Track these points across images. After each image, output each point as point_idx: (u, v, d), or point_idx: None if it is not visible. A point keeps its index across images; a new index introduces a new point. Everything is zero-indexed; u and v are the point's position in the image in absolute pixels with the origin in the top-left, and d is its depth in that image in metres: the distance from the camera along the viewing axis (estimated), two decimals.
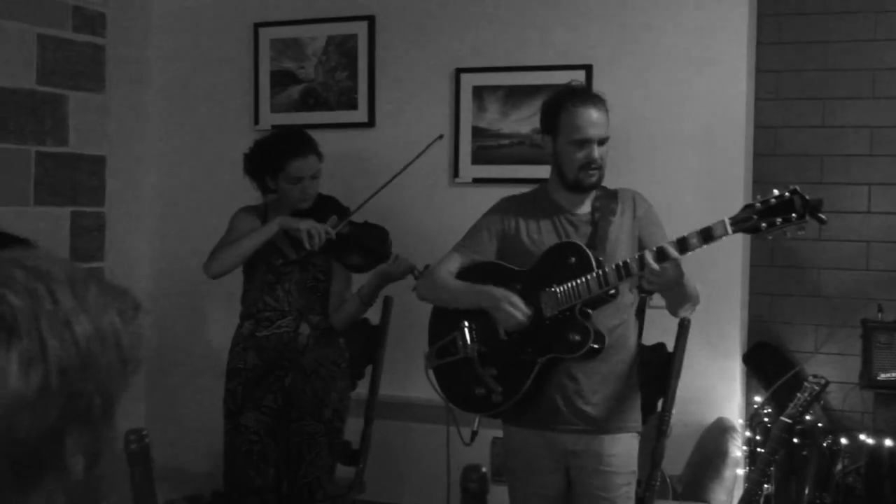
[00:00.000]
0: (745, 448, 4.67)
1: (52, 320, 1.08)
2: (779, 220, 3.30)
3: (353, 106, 5.33)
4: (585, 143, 3.62)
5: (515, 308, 3.57)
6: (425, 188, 5.18)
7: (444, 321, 3.81)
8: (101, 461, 1.16)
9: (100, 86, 5.38)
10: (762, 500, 4.31)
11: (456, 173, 5.14)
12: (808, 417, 4.33)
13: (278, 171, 4.23)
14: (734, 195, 4.78)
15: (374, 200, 4.34)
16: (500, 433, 4.01)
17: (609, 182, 4.67)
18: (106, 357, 1.13)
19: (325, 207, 4.28)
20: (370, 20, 5.29)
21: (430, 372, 3.82)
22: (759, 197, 3.45)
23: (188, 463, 5.53)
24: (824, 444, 4.56)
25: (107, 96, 5.42)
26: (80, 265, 1.25)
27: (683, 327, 4.32)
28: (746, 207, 3.43)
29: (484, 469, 2.17)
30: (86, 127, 5.31)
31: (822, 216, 3.34)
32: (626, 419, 3.74)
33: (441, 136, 4.12)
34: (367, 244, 4.12)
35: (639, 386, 3.81)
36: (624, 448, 3.70)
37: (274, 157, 4.26)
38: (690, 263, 4.73)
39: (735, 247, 4.79)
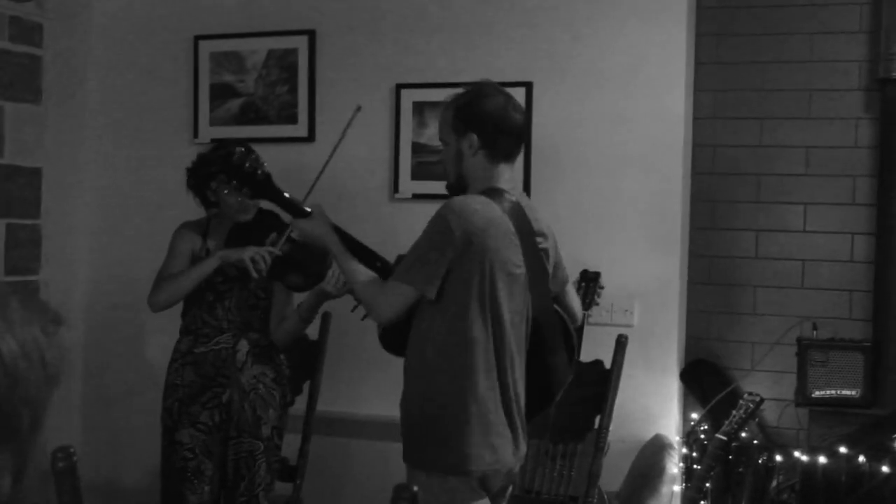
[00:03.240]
0: (681, 465, 4.68)
1: None
2: None
3: (293, 120, 5.31)
4: None
5: None
6: (365, 204, 5.17)
7: None
8: (26, 475, 1.15)
9: (36, 97, 5.33)
10: None
11: (396, 189, 5.14)
12: (743, 434, 4.33)
13: (214, 181, 4.20)
14: (672, 213, 4.82)
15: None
16: None
17: (546, 199, 4.72)
18: (32, 373, 1.12)
19: (266, 221, 4.25)
20: (311, 35, 5.27)
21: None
22: None
23: (126, 479, 5.48)
24: (759, 461, 4.57)
25: (43, 107, 5.36)
26: (7, 279, 1.24)
27: (621, 344, 4.35)
28: None
29: (415, 488, 2.15)
30: (21, 138, 5.24)
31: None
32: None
33: (359, 108, 4.09)
34: (307, 263, 4.10)
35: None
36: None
37: (213, 166, 4.23)
38: (630, 280, 4.79)
39: (673, 265, 4.83)
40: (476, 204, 3.35)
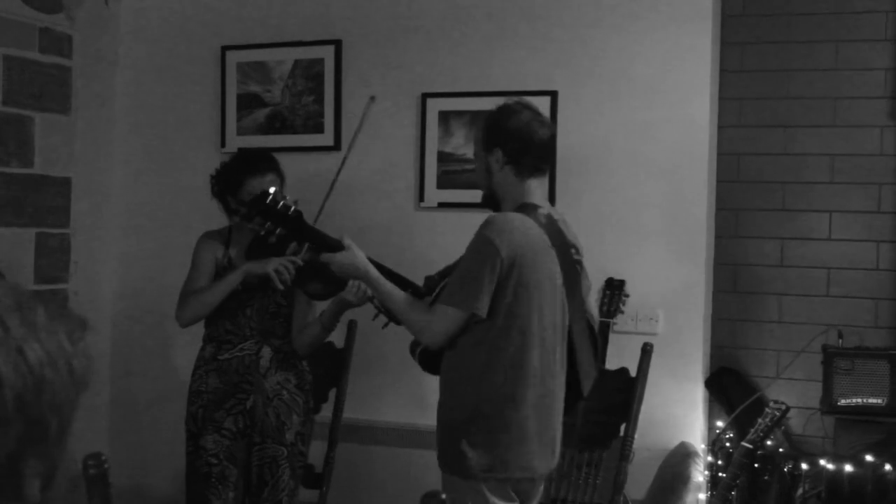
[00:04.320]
0: (706, 473, 4.66)
1: (5, 348, 1.07)
2: None
3: (319, 130, 5.32)
4: None
5: None
6: (390, 213, 5.18)
7: None
8: (55, 481, 1.16)
9: (66, 107, 5.36)
10: None
11: (421, 198, 5.15)
12: (769, 442, 4.35)
13: (237, 190, 4.23)
14: (697, 221, 4.81)
15: (338, 225, 4.33)
16: None
17: (571, 207, 4.73)
18: (58, 380, 1.13)
19: None
20: (337, 44, 5.28)
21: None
22: None
23: (152, 485, 5.49)
24: (785, 469, 4.55)
25: (73, 118, 5.39)
26: (36, 287, 1.25)
27: (646, 352, 4.34)
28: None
29: (443, 496, 2.16)
30: (51, 148, 5.28)
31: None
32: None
33: (373, 98, 4.09)
34: (328, 272, 4.11)
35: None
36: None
37: (233, 175, 4.27)
38: (655, 288, 4.79)
39: (698, 273, 4.82)
40: (515, 221, 3.43)
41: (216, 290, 4.21)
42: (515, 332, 3.40)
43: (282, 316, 4.31)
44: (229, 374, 4.24)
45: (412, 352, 3.74)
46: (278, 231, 3.73)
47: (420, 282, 3.80)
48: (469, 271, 3.39)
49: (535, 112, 3.59)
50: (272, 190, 3.80)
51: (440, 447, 3.54)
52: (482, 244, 3.38)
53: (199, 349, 4.34)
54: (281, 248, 4.07)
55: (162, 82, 5.67)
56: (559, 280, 3.50)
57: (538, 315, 3.43)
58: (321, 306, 4.25)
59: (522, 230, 3.41)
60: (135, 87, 5.71)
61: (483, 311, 3.36)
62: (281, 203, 3.72)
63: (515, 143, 3.50)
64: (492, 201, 3.59)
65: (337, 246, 3.71)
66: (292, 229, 3.76)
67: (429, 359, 3.66)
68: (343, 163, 4.33)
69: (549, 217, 3.55)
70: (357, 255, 3.65)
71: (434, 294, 3.66)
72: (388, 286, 3.61)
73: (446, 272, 3.72)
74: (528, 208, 3.50)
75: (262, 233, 3.72)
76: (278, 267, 4.02)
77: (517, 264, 3.37)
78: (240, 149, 5.07)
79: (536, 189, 3.56)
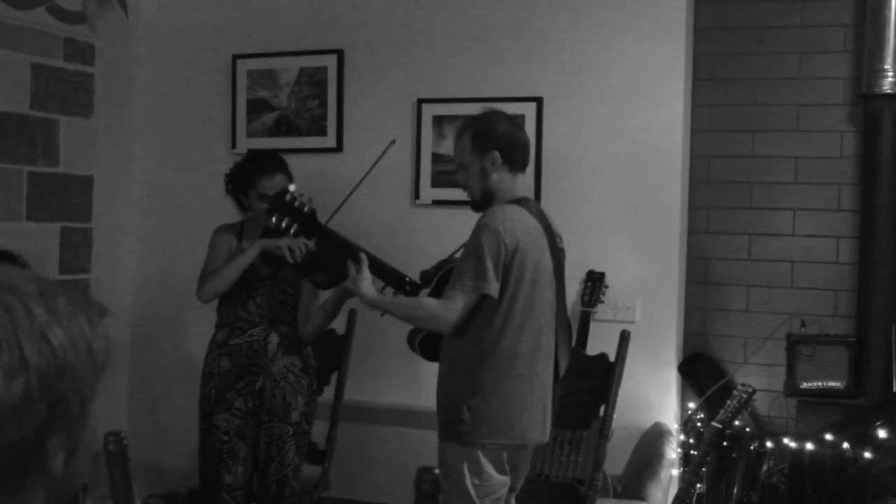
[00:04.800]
0: (679, 451, 4.68)
1: (30, 333, 1.09)
2: None
3: (322, 132, 5.33)
4: None
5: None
6: (389, 209, 5.19)
7: None
8: (77, 456, 1.16)
9: (89, 111, 5.37)
10: (695, 498, 4.31)
11: (417, 195, 5.16)
12: (737, 423, 4.35)
13: (249, 189, 4.25)
14: (672, 219, 4.83)
15: (340, 220, 4.34)
16: None
17: (555, 205, 4.74)
18: (80, 362, 1.13)
19: None
20: (339, 54, 5.30)
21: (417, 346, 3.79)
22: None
23: (167, 461, 5.50)
24: (751, 448, 4.56)
25: (95, 121, 5.41)
26: (49, 278, 1.26)
27: (624, 339, 4.35)
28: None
29: (437, 471, 2.16)
30: (75, 149, 5.29)
31: None
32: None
33: (394, 141, 4.12)
34: (332, 263, 4.12)
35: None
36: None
37: (246, 175, 4.28)
38: (633, 280, 4.79)
39: (672, 266, 4.84)
40: (515, 213, 3.50)
41: (236, 264, 4.22)
42: (517, 314, 3.46)
43: (289, 304, 4.32)
44: (240, 358, 4.24)
45: (410, 342, 3.76)
46: (294, 227, 3.74)
47: (415, 275, 3.81)
48: (478, 256, 3.42)
49: (510, 117, 3.74)
50: (292, 188, 3.83)
51: (441, 417, 3.59)
52: (487, 233, 3.43)
53: (212, 334, 4.35)
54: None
55: (177, 88, 5.67)
56: (551, 266, 3.57)
57: (539, 299, 3.51)
58: (325, 295, 4.25)
59: (521, 220, 3.49)
60: (152, 93, 5.72)
61: (495, 291, 3.41)
62: (297, 201, 3.74)
63: (508, 144, 3.58)
64: (484, 203, 3.62)
65: (351, 249, 3.73)
66: (306, 225, 3.77)
67: (429, 346, 3.69)
68: (359, 184, 4.35)
69: (539, 208, 3.67)
70: (364, 283, 3.64)
71: (432, 286, 3.68)
72: (393, 302, 3.64)
73: (441, 265, 3.75)
74: (521, 201, 3.57)
75: (283, 227, 3.72)
76: (290, 244, 4.03)
77: (519, 251, 3.43)
78: (251, 150, 5.08)
79: (522, 182, 3.67)
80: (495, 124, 3.61)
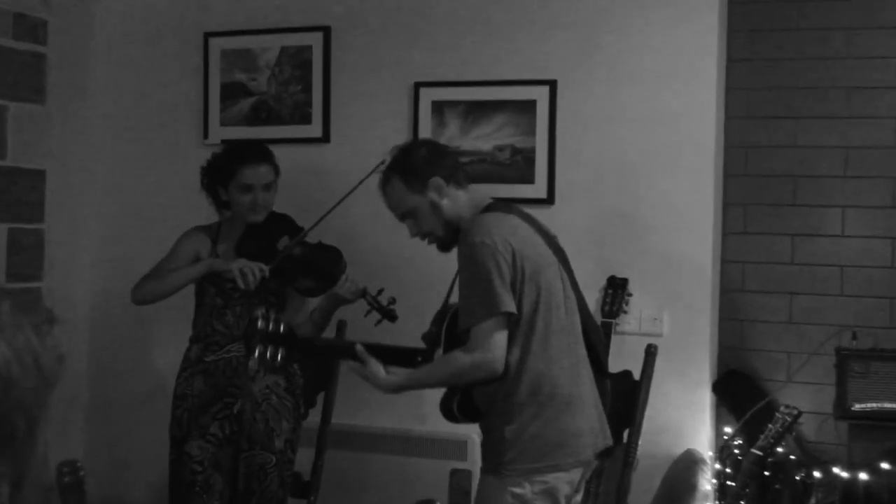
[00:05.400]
0: (714, 481, 4.66)
1: None
2: None
3: (306, 120, 5.31)
4: None
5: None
6: (382, 211, 5.12)
7: None
8: (25, 485, 1.14)
9: (40, 96, 5.33)
10: None
11: None
12: (780, 449, 4.36)
13: (229, 181, 4.27)
14: (704, 216, 4.82)
15: (323, 228, 4.33)
16: (459, 465, 3.98)
17: (570, 202, 4.70)
18: (26, 377, 1.11)
19: (278, 225, 4.29)
20: (326, 31, 5.27)
21: None
22: None
23: (131, 495, 5.49)
24: (797, 478, 4.54)
25: (47, 107, 5.37)
26: (9, 286, 1.23)
27: (650, 354, 4.35)
28: None
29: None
30: (25, 139, 5.25)
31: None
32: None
33: (384, 161, 4.11)
34: (319, 267, 4.10)
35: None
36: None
37: (226, 164, 4.32)
38: (660, 287, 4.76)
39: (705, 271, 4.82)
40: (494, 221, 3.52)
41: (177, 276, 4.29)
42: (539, 321, 3.45)
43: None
44: (216, 377, 4.27)
45: (447, 412, 3.71)
46: (281, 353, 3.74)
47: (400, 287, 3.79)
48: (480, 281, 3.40)
49: (416, 140, 4.02)
50: (257, 314, 3.79)
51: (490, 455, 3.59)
52: (475, 250, 3.42)
53: (185, 350, 4.37)
54: (272, 241, 4.06)
55: (142, 70, 5.65)
56: (556, 266, 3.59)
57: (556, 299, 3.51)
58: (314, 304, 4.24)
59: (504, 224, 3.52)
60: (113, 76, 5.70)
61: (511, 306, 3.40)
62: (271, 326, 3.75)
63: (439, 162, 3.65)
64: (451, 238, 3.64)
65: (344, 347, 3.77)
66: (291, 345, 3.79)
67: (470, 407, 3.64)
68: (336, 205, 4.33)
69: (515, 206, 3.72)
70: (378, 374, 3.64)
71: (442, 342, 3.66)
72: (420, 374, 3.63)
73: (440, 318, 3.74)
74: (490, 207, 3.62)
75: (268, 358, 3.73)
76: (243, 268, 4.03)
77: (518, 256, 3.42)
78: (226, 141, 5.09)
79: (477, 192, 3.73)
80: (415, 152, 3.70)
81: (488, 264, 3.38)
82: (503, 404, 3.49)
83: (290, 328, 3.80)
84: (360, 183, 4.20)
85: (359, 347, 3.64)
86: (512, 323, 3.42)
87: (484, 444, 3.61)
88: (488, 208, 3.59)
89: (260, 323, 3.73)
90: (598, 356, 3.72)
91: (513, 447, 3.47)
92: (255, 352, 3.73)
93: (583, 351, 3.63)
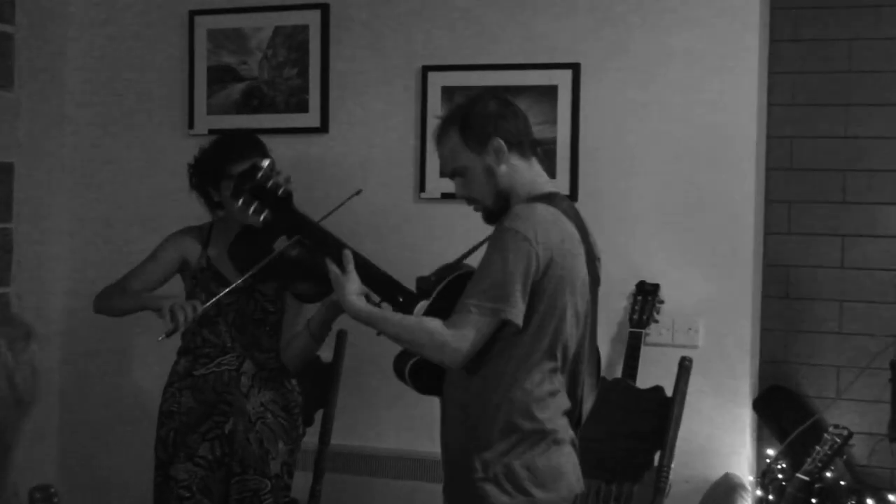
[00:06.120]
0: None
1: None
2: None
3: (303, 108, 5.32)
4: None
5: None
6: (387, 204, 5.17)
7: None
8: None
9: (8, 81, 5.33)
10: None
11: (422, 188, 5.14)
12: (828, 474, 4.36)
13: (220, 179, 4.24)
14: (743, 215, 4.82)
15: (328, 220, 4.32)
16: None
17: (595, 199, 4.71)
18: None
19: (275, 224, 4.26)
20: (324, 9, 5.28)
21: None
22: None
23: None
24: None
25: (16, 94, 5.37)
26: None
27: (684, 368, 4.35)
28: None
29: None
30: None
31: None
32: None
33: (360, 191, 4.08)
34: (318, 270, 4.10)
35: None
36: None
37: (216, 160, 4.29)
38: (695, 294, 4.76)
39: (744, 276, 4.82)
40: (548, 214, 3.38)
41: (123, 305, 4.32)
42: (547, 343, 3.36)
43: (268, 324, 4.33)
44: (206, 393, 4.25)
45: (398, 370, 3.66)
46: (265, 214, 3.68)
47: (411, 284, 3.75)
48: (500, 271, 3.30)
49: (491, 91, 3.77)
50: (265, 163, 3.77)
51: (449, 472, 3.53)
52: (514, 240, 3.30)
53: (173, 363, 4.35)
54: (269, 242, 4.05)
55: (120, 53, 5.66)
56: (586, 279, 3.47)
57: (570, 325, 3.40)
58: (311, 311, 4.23)
59: (557, 224, 3.38)
60: (88, 59, 5.71)
61: (519, 318, 3.30)
62: (271, 181, 3.69)
63: (508, 123, 3.51)
64: (500, 210, 3.52)
65: (333, 245, 3.66)
66: (278, 211, 3.71)
67: (424, 376, 3.60)
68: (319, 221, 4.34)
69: (574, 207, 3.56)
70: (349, 289, 3.57)
71: (431, 298, 3.60)
72: (385, 317, 3.53)
73: (444, 272, 3.67)
74: (551, 198, 3.46)
75: (250, 213, 3.67)
76: (173, 307, 3.99)
77: (553, 265, 3.32)
78: (214, 131, 5.09)
79: (540, 168, 3.59)
80: (483, 105, 3.54)
81: (518, 259, 3.28)
82: (483, 428, 3.40)
83: (290, 193, 3.72)
84: (331, 212, 4.12)
85: (347, 252, 3.58)
86: (510, 333, 3.34)
87: (452, 467, 3.53)
88: (546, 198, 3.45)
89: (260, 174, 3.67)
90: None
91: (485, 480, 3.37)
92: (238, 200, 3.68)
93: (590, 383, 3.55)
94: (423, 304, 3.56)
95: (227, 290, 3.99)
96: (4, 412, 1.12)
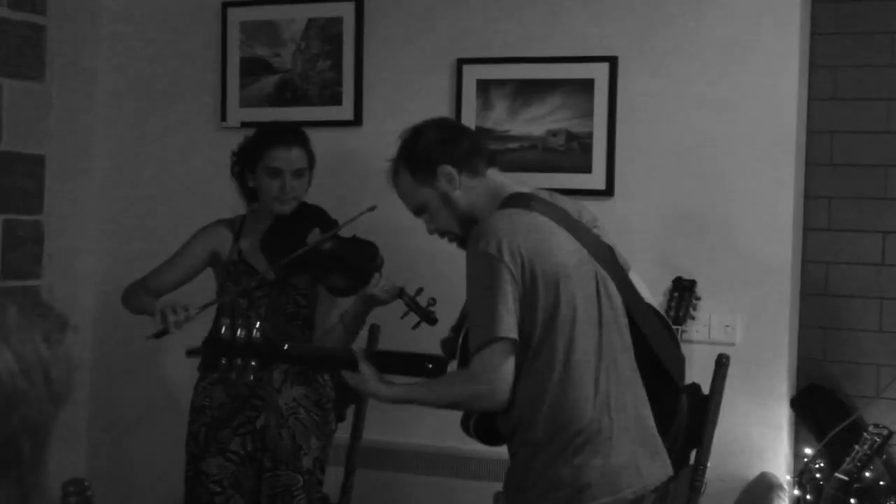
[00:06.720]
0: None
1: None
2: None
3: (336, 101, 5.33)
4: None
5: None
6: None
7: None
8: None
9: (39, 73, 5.35)
10: None
11: None
12: (867, 474, 4.34)
13: (256, 163, 4.28)
14: (783, 211, 4.81)
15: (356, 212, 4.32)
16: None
17: (632, 194, 4.70)
18: (33, 392, 1.12)
19: (309, 218, 4.27)
20: (358, 1, 5.29)
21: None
22: None
23: None
24: None
25: (47, 85, 5.39)
26: (4, 284, 1.22)
27: (721, 366, 4.32)
28: None
29: None
30: (22, 121, 5.27)
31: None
32: None
33: (374, 208, 4.06)
34: (351, 263, 4.08)
35: None
36: None
37: (254, 145, 4.35)
38: (732, 290, 4.74)
39: (783, 273, 4.81)
40: (505, 219, 3.38)
41: (136, 305, 4.39)
42: (558, 341, 3.32)
43: (301, 318, 4.35)
44: (237, 388, 4.25)
45: (465, 428, 3.65)
46: (253, 365, 3.59)
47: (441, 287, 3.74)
48: (480, 299, 3.31)
49: (429, 121, 3.67)
50: (223, 322, 3.68)
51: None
52: (480, 263, 3.30)
53: None
54: (303, 235, 4.05)
55: (152, 44, 5.68)
56: (587, 266, 3.42)
57: (582, 312, 3.35)
58: (345, 305, 4.23)
59: (519, 226, 3.35)
60: (120, 50, 5.73)
61: (511, 331, 3.25)
62: (238, 334, 3.54)
63: (451, 147, 3.52)
64: (468, 231, 3.49)
65: (332, 353, 3.77)
66: (265, 356, 3.62)
67: (488, 428, 3.55)
68: (331, 235, 4.31)
69: (541, 199, 3.51)
70: (368, 381, 3.53)
71: (458, 354, 3.59)
72: (419, 390, 3.55)
73: (458, 323, 3.67)
74: (514, 199, 3.46)
75: (231, 373, 3.62)
76: (164, 308, 4.04)
77: (528, 266, 3.28)
78: (246, 123, 5.13)
79: (499, 177, 3.58)
80: (423, 137, 3.56)
81: (492, 281, 3.25)
82: (524, 436, 3.39)
83: (264, 334, 3.60)
84: (344, 224, 4.08)
85: (355, 350, 3.58)
86: (519, 347, 3.30)
87: (510, 472, 3.50)
88: (506, 202, 3.45)
89: (223, 331, 3.57)
90: (664, 369, 3.58)
91: (535, 487, 3.37)
92: (213, 371, 3.70)
93: (627, 370, 3.46)
94: (453, 365, 3.56)
95: (302, 251, 4.00)
96: (41, 406, 1.10)
